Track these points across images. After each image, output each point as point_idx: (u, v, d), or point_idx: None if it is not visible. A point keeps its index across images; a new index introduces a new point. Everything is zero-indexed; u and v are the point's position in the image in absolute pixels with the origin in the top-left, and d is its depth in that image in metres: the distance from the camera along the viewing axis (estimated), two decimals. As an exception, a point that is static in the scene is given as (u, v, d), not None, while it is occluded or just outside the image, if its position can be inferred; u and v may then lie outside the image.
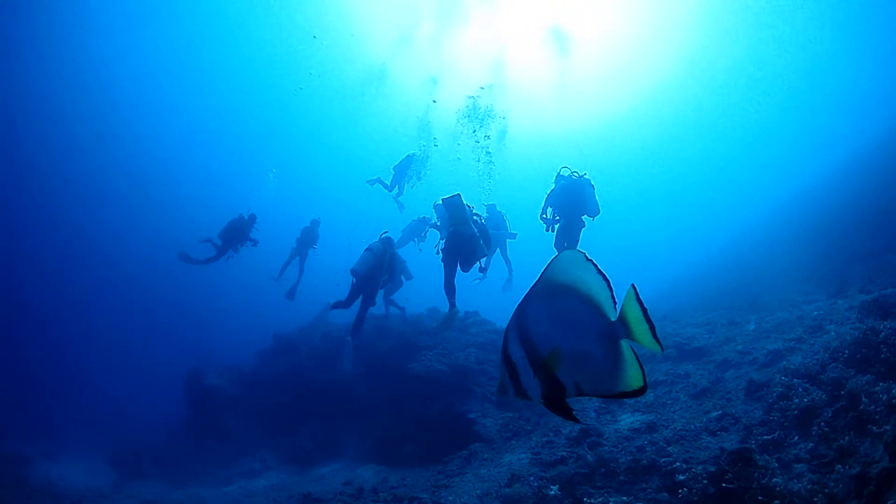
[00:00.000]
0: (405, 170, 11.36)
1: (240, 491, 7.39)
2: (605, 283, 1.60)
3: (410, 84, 27.28)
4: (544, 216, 8.15)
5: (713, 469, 3.19)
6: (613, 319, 1.58)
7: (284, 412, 9.16)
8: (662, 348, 1.58)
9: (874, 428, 2.70)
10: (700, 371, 5.67)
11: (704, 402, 4.84)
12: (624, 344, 1.58)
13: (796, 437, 3.21)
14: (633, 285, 1.59)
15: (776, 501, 2.63)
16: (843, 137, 19.17)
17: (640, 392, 1.56)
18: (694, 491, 3.24)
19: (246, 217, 9.56)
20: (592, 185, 7.85)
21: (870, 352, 3.30)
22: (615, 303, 1.60)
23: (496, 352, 9.31)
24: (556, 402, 1.63)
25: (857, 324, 4.04)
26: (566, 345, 1.59)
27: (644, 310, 1.55)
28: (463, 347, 9.56)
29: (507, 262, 11.59)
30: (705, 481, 3.20)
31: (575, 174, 8.00)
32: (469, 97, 12.52)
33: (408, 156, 11.52)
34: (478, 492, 5.62)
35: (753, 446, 3.08)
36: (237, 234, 9.53)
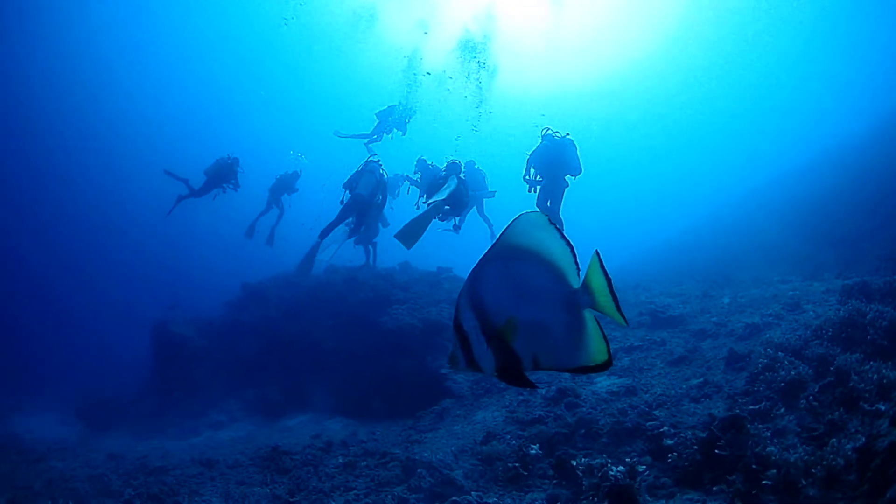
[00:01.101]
0: (386, 118, 10.95)
1: (206, 442, 7.25)
2: (568, 249, 1.48)
3: (401, 28, 26.09)
4: (527, 177, 8.12)
5: (704, 435, 3.25)
6: (576, 287, 1.47)
7: (252, 364, 8.97)
8: (626, 321, 1.48)
9: (865, 405, 2.79)
10: (676, 339, 5.81)
11: (683, 369, 4.96)
12: (587, 314, 1.47)
13: (783, 409, 3.30)
14: (596, 251, 1.49)
15: (772, 471, 2.69)
16: (827, 125, 19.71)
17: (604, 367, 1.46)
18: (684, 456, 3.30)
19: (230, 159, 9.21)
20: (575, 145, 7.88)
21: (855, 332, 3.41)
22: (578, 270, 1.49)
23: (469, 309, 9.31)
24: (510, 373, 1.52)
25: (837, 305, 4.18)
26: (523, 314, 1.48)
27: (608, 279, 1.45)
28: (435, 302, 9.52)
29: (486, 219, 11.52)
30: (695, 447, 3.26)
31: (557, 134, 7.97)
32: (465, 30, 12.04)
33: (390, 106, 11.09)
34: (452, 448, 5.66)
35: (745, 414, 3.15)
36: (224, 172, 9.30)
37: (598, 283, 1.45)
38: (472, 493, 4.12)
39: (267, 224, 11.15)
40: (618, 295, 1.45)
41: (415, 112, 10.41)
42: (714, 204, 17.73)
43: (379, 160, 8.17)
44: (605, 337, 1.47)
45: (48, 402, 8.88)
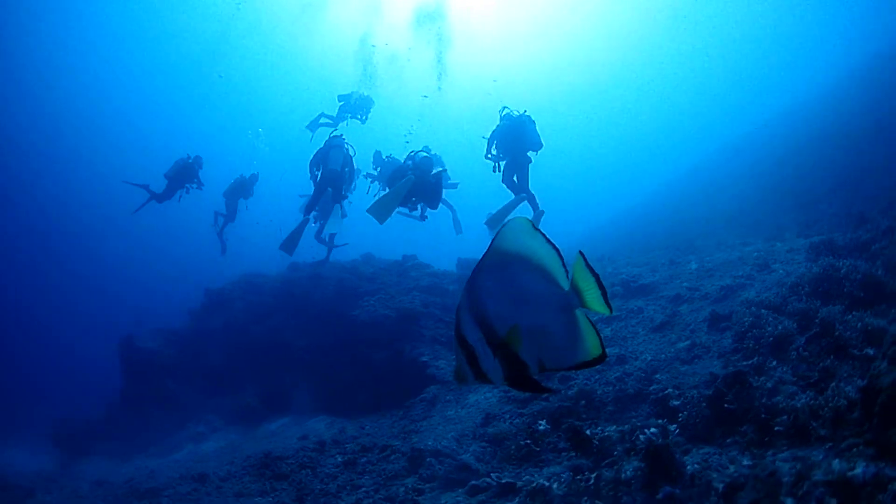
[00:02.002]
0: (347, 103, 10.68)
1: (190, 456, 6.99)
2: (555, 252, 1.55)
3: (353, 10, 25.19)
4: (489, 155, 8.27)
5: (710, 392, 3.52)
6: (567, 289, 1.54)
7: (224, 371, 8.68)
8: (611, 310, 1.57)
9: (855, 352, 3.14)
10: (652, 306, 6.16)
11: (667, 334, 5.28)
12: (579, 313, 1.55)
13: (774, 363, 3.63)
14: (580, 252, 1.55)
15: (782, 417, 2.98)
16: (780, 91, 20.80)
17: (600, 360, 1.54)
18: (693, 414, 3.57)
19: (190, 159, 8.81)
20: (533, 121, 8.11)
21: (832, 286, 3.78)
22: (567, 272, 1.56)
23: (441, 294, 9.41)
24: (523, 382, 1.56)
25: (806, 263, 4.59)
26: (524, 320, 1.52)
27: (596, 276, 1.53)
28: (406, 291, 9.54)
29: (447, 203, 11.59)
30: (703, 404, 3.53)
31: (515, 112, 8.17)
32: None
33: (352, 92, 10.82)
34: (452, 434, 5.77)
35: (747, 369, 3.45)
36: (185, 172, 9.18)
37: (584, 283, 1.52)
38: (492, 474, 4.25)
39: (215, 232, 10.67)
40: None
41: (373, 102, 10.26)
42: (670, 172, 18.56)
43: (342, 135, 8.39)
44: (597, 332, 1.55)
45: (20, 430, 8.22)
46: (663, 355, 4.83)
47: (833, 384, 3.00)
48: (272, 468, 6.41)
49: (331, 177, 8.16)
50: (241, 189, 10.61)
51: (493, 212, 7.83)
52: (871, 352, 3.05)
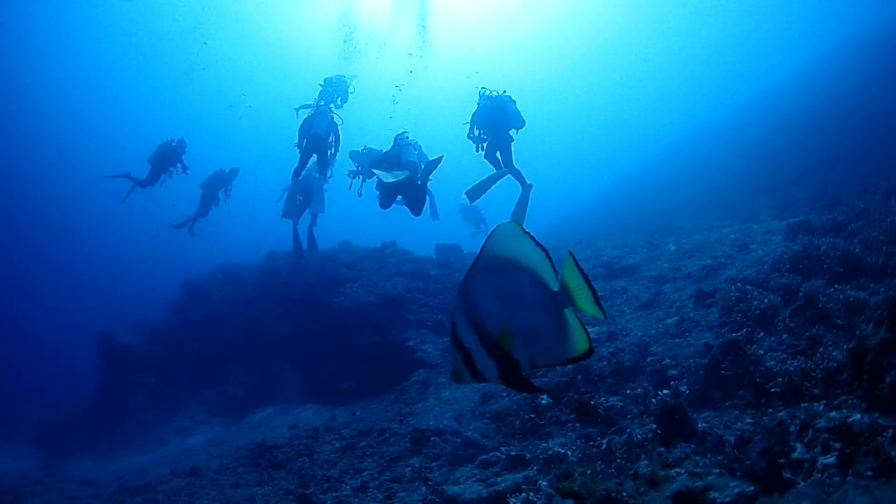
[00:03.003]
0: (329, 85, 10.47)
1: (176, 451, 6.88)
2: (543, 254, 1.62)
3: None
4: (471, 135, 8.38)
5: (707, 361, 3.81)
6: (556, 289, 1.60)
7: (206, 363, 8.53)
8: (605, 314, 1.65)
9: (838, 321, 3.48)
10: (635, 286, 6.47)
11: (654, 311, 5.59)
12: (567, 312, 1.61)
13: (762, 334, 3.95)
14: (570, 252, 1.62)
15: (778, 379, 3.29)
16: (747, 79, 21.44)
17: (588, 355, 1.63)
18: (692, 382, 3.86)
19: (174, 143, 8.55)
20: (514, 100, 8.25)
21: (812, 263, 4.12)
22: (556, 272, 1.63)
23: (423, 279, 9.51)
24: (514, 379, 1.65)
25: (784, 243, 4.94)
26: (516, 321, 1.60)
27: (585, 276, 1.59)
28: (388, 277, 9.59)
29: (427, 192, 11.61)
30: (701, 372, 3.81)
31: (495, 93, 8.31)
32: None
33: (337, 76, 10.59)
34: (450, 414, 5.93)
35: (741, 337, 3.76)
36: (168, 156, 9.09)
37: (574, 284, 1.59)
38: (501, 448, 4.44)
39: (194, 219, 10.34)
40: (564, 251, 1.66)
41: (347, 83, 10.18)
42: (644, 157, 19.00)
43: (329, 105, 8.66)
44: (584, 328, 1.62)
45: (2, 435, 7.81)
46: (653, 331, 5.12)
47: (821, 350, 3.32)
48: (267, 458, 6.41)
49: (315, 141, 8.29)
50: (219, 182, 10.31)
51: (474, 184, 7.96)
52: (854, 321, 3.39)
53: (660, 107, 32.77)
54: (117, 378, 8.25)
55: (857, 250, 3.87)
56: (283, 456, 6.38)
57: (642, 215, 10.15)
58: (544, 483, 3.49)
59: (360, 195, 9.73)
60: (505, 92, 8.29)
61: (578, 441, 3.85)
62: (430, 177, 10.92)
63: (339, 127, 8.61)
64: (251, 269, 9.87)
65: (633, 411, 4.18)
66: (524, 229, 1.60)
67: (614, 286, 6.77)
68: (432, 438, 5.31)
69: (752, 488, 1.55)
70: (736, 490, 1.36)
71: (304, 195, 9.50)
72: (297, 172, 8.65)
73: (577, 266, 1.59)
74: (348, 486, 5.29)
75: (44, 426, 7.94)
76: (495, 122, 8.07)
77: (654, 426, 3.35)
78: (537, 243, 1.61)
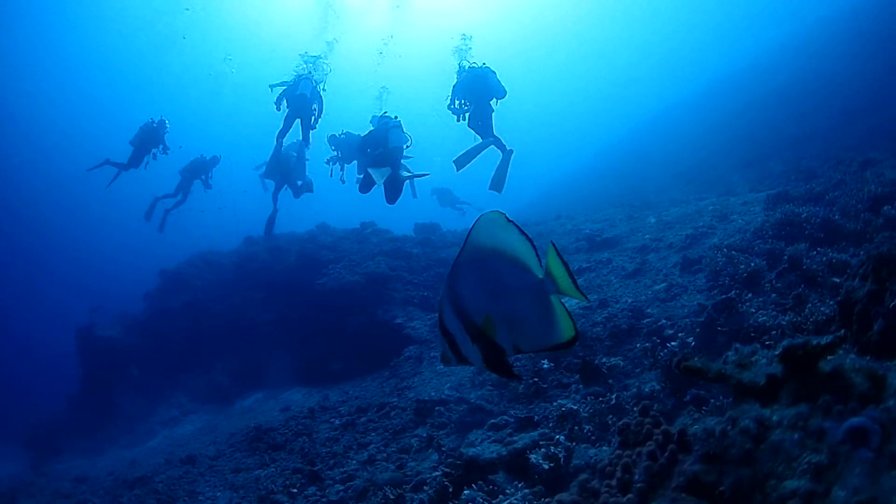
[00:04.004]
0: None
1: (167, 442, 6.79)
2: (528, 242, 1.65)
3: None
4: (452, 106, 8.46)
5: (702, 319, 4.10)
6: (541, 277, 1.65)
7: (189, 352, 8.37)
8: (587, 298, 1.72)
9: (822, 280, 3.81)
10: (619, 257, 6.76)
11: (640, 279, 5.88)
12: (553, 299, 1.66)
13: (750, 295, 4.26)
14: (552, 242, 1.68)
15: (772, 332, 3.59)
16: (726, 55, 21.74)
17: (573, 342, 1.67)
18: (664, 357, 4.13)
19: (155, 123, 8.25)
20: (494, 71, 8.37)
21: (793, 230, 4.44)
22: (540, 260, 1.66)
23: (406, 258, 9.58)
24: (497, 364, 1.72)
25: (764, 212, 5.25)
26: (500, 309, 1.65)
27: (566, 265, 1.64)
28: (371, 257, 9.61)
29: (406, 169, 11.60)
30: (698, 330, 4.10)
31: (475, 64, 8.41)
32: None
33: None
34: (448, 385, 6.08)
35: (734, 296, 4.05)
36: (150, 137, 8.90)
37: (558, 271, 1.63)
38: (510, 411, 4.63)
39: (162, 207, 10.00)
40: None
41: (335, 40, 10.09)
42: (619, 132, 19.23)
43: (311, 73, 8.83)
44: (570, 315, 1.66)
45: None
46: (643, 297, 5.40)
47: (809, 306, 3.63)
48: (265, 440, 6.42)
49: (300, 103, 8.40)
50: (199, 169, 10.01)
51: (461, 153, 8.09)
52: (837, 280, 3.72)
53: (636, 83, 33.34)
54: (101, 373, 8.02)
55: (837, 217, 4.21)
56: (282, 438, 6.41)
57: (620, 190, 10.51)
58: (562, 437, 3.69)
59: (343, 182, 9.73)
60: (485, 64, 8.40)
61: (588, 398, 4.09)
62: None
63: (322, 96, 8.74)
64: (229, 255, 9.69)
65: (634, 371, 4.47)
66: (508, 218, 1.64)
67: (599, 258, 7.04)
68: (437, 408, 5.46)
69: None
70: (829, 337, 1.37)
71: (281, 172, 9.39)
72: (281, 135, 8.73)
73: (559, 255, 1.64)
74: (355, 461, 5.38)
75: (30, 427, 7.66)
76: (477, 91, 8.17)
77: (662, 378, 3.58)
78: (522, 232, 1.65)
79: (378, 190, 9.11)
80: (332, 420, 6.50)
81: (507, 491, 3.23)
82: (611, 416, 3.77)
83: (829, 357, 1.09)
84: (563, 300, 1.67)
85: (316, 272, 9.37)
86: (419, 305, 8.77)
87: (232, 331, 8.66)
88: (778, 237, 4.52)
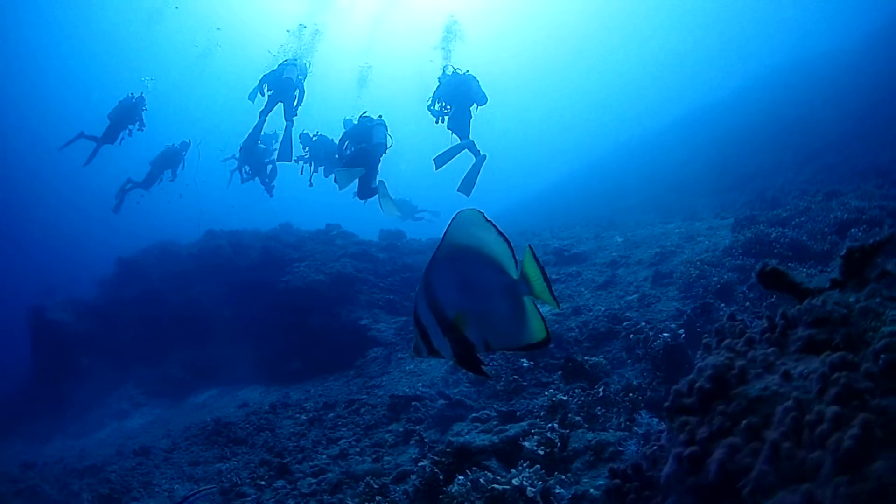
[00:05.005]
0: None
1: (115, 434, 6.35)
2: (505, 243, 1.68)
3: None
4: (431, 108, 8.61)
5: (682, 321, 4.39)
6: (515, 278, 1.67)
7: (143, 343, 7.90)
8: (559, 304, 1.78)
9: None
10: (589, 271, 7.04)
11: (612, 291, 6.16)
12: (526, 300, 1.69)
13: (723, 305, 4.62)
14: (529, 246, 1.70)
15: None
16: (692, 93, 23.00)
17: (544, 343, 1.71)
18: (655, 348, 4.39)
19: (134, 99, 7.81)
20: (476, 78, 8.63)
21: (763, 248, 4.83)
22: (516, 262, 1.69)
23: (372, 261, 9.51)
24: (467, 359, 1.75)
25: (732, 235, 5.64)
26: (472, 305, 1.68)
27: (542, 269, 1.67)
28: (336, 258, 9.48)
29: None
30: (681, 332, 4.37)
31: (459, 70, 8.65)
32: None
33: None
34: (421, 384, 6.05)
35: (712, 301, 4.37)
36: (129, 113, 8.66)
37: (533, 274, 1.66)
38: (494, 405, 4.70)
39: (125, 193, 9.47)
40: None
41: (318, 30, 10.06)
42: (586, 158, 19.93)
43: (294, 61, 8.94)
44: (542, 317, 1.70)
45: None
46: (616, 305, 5.65)
47: (780, 311, 3.99)
48: (225, 434, 6.12)
49: (285, 86, 8.48)
50: (171, 159, 9.60)
51: (441, 152, 8.24)
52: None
53: (609, 110, 34.85)
54: (49, 358, 7.40)
55: (804, 238, 4.65)
56: (243, 432, 6.13)
57: (584, 212, 10.97)
58: (555, 424, 3.79)
59: (311, 185, 9.63)
60: (468, 71, 8.64)
61: (576, 391, 4.23)
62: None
63: (303, 82, 8.86)
64: (190, 247, 9.27)
65: (615, 370, 4.67)
66: (486, 217, 1.67)
67: (568, 271, 7.30)
68: (413, 403, 5.43)
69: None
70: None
71: (252, 164, 9.28)
72: (263, 114, 8.76)
73: (536, 258, 1.67)
74: (325, 455, 5.24)
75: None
76: (459, 96, 8.39)
77: (652, 369, 3.79)
78: (499, 232, 1.67)
79: (344, 191, 9.09)
80: (297, 416, 6.31)
81: (512, 471, 3.28)
82: (599, 407, 3.91)
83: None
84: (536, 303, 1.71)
85: (279, 270, 9.14)
86: (384, 308, 8.72)
87: (189, 323, 8.23)
88: (748, 254, 4.92)
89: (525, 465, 3.38)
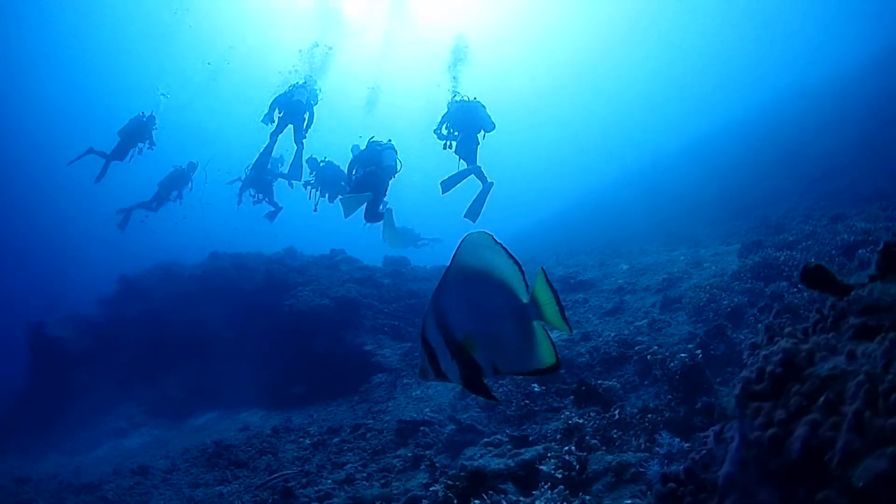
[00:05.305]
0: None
1: (112, 453, 6.21)
2: (516, 267, 1.66)
3: None
4: (439, 131, 8.72)
5: (697, 342, 4.38)
6: (525, 301, 1.65)
7: (144, 362, 7.79)
8: (571, 329, 1.72)
9: (805, 313, 4.22)
10: (596, 298, 7.05)
11: (620, 317, 6.16)
12: (536, 324, 1.66)
13: (734, 327, 4.64)
14: (542, 269, 1.69)
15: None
16: (696, 121, 23.42)
17: (554, 369, 1.69)
18: (673, 369, 4.38)
19: (145, 118, 7.89)
20: (484, 106, 8.79)
21: (772, 272, 4.88)
22: (527, 285, 1.67)
23: (377, 287, 9.49)
24: (474, 382, 1.72)
25: (739, 260, 5.68)
26: (482, 328, 1.66)
27: (554, 292, 1.65)
28: (341, 283, 9.46)
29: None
30: (699, 352, 4.36)
31: (467, 97, 8.81)
32: None
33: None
34: (429, 409, 5.97)
35: (726, 323, 4.38)
36: (139, 131, 8.77)
37: (544, 298, 1.64)
38: (506, 430, 4.63)
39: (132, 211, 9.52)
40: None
41: (330, 48, 10.29)
42: (591, 185, 20.05)
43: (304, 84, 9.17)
44: (552, 342, 1.67)
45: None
46: (626, 331, 5.64)
47: (829, 304, 4.01)
48: (226, 457, 5.99)
49: (295, 109, 8.66)
50: (178, 180, 9.69)
51: (447, 177, 8.32)
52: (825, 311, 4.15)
53: (602, 145, 35.35)
54: (48, 373, 7.28)
55: (813, 260, 4.69)
56: (244, 455, 6.00)
57: (588, 240, 11.05)
58: (572, 447, 3.74)
59: (315, 210, 9.71)
60: (476, 98, 8.81)
61: (591, 414, 4.18)
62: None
63: (314, 106, 9.06)
64: (194, 268, 9.26)
65: (627, 395, 4.63)
66: (496, 240, 1.66)
67: (574, 298, 7.32)
68: (421, 429, 5.35)
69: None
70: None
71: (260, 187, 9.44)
72: (273, 135, 8.94)
73: (548, 282, 1.65)
74: (330, 480, 5.11)
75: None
76: (467, 122, 8.53)
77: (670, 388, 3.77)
78: (509, 254, 1.66)
79: (350, 217, 9.16)
80: (301, 440, 6.18)
81: (534, 493, 3.22)
82: (615, 430, 3.87)
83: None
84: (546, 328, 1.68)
85: (283, 293, 9.11)
86: (389, 334, 8.66)
87: (190, 345, 8.14)
88: (757, 278, 4.95)
89: (546, 486, 3.32)
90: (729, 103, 23.60)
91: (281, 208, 9.92)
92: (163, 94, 11.05)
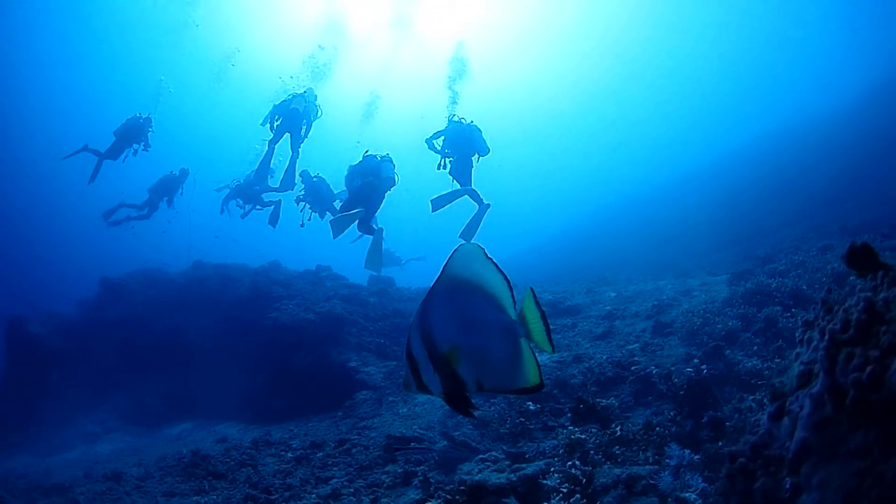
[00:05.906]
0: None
1: (83, 457, 5.88)
2: (505, 282, 1.64)
3: None
4: (431, 143, 8.67)
5: (695, 362, 4.44)
6: (514, 318, 1.63)
7: (120, 367, 7.47)
8: (553, 349, 1.71)
9: (798, 336, 4.36)
10: (585, 323, 7.10)
11: (611, 341, 6.19)
12: (523, 342, 1.64)
13: (729, 350, 4.73)
14: (531, 289, 1.67)
15: (765, 373, 3.97)
16: (685, 156, 24.05)
17: (537, 389, 1.65)
18: (678, 384, 4.44)
19: (142, 119, 7.79)
20: (480, 130, 8.89)
21: (764, 298, 5.01)
22: (514, 302, 1.65)
23: (362, 304, 9.36)
24: (456, 398, 1.68)
25: (729, 288, 5.82)
26: (467, 342, 1.62)
27: (542, 312, 1.63)
28: (326, 298, 9.31)
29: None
30: (704, 367, 4.41)
31: (464, 120, 8.92)
32: None
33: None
34: (416, 426, 5.84)
35: (723, 344, 4.45)
36: (135, 131, 8.65)
37: (532, 316, 1.61)
38: (497, 448, 4.56)
39: (126, 213, 9.31)
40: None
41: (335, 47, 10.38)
42: (576, 215, 20.36)
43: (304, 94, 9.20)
44: (537, 362, 1.64)
45: None
46: (618, 354, 5.67)
47: (790, 353, 4.12)
48: (203, 467, 5.73)
49: (293, 117, 8.68)
50: (170, 186, 9.52)
51: (439, 195, 8.31)
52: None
53: (590, 177, 35.92)
54: (22, 371, 6.84)
55: (804, 287, 4.87)
56: (223, 466, 5.74)
57: (574, 269, 11.19)
58: (577, 461, 3.70)
59: (302, 225, 9.63)
60: (473, 121, 8.93)
61: (591, 430, 4.16)
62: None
63: (311, 116, 9.09)
64: (177, 276, 9.02)
65: (624, 414, 4.63)
66: (486, 254, 1.64)
67: (563, 322, 7.34)
68: (411, 444, 5.23)
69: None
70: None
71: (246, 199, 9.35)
72: (272, 142, 9.01)
73: (537, 302, 1.63)
74: (314, 495, 4.93)
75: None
76: (462, 145, 8.61)
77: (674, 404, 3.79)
78: (499, 270, 1.64)
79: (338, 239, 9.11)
80: (282, 454, 5.96)
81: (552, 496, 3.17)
82: (617, 446, 3.86)
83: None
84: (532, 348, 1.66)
85: (267, 306, 8.92)
86: (374, 352, 8.51)
87: (169, 352, 7.85)
88: (749, 304, 5.08)
89: (558, 497, 3.27)
90: (718, 137, 24.48)
91: (279, 201, 9.81)
92: (162, 79, 10.95)
